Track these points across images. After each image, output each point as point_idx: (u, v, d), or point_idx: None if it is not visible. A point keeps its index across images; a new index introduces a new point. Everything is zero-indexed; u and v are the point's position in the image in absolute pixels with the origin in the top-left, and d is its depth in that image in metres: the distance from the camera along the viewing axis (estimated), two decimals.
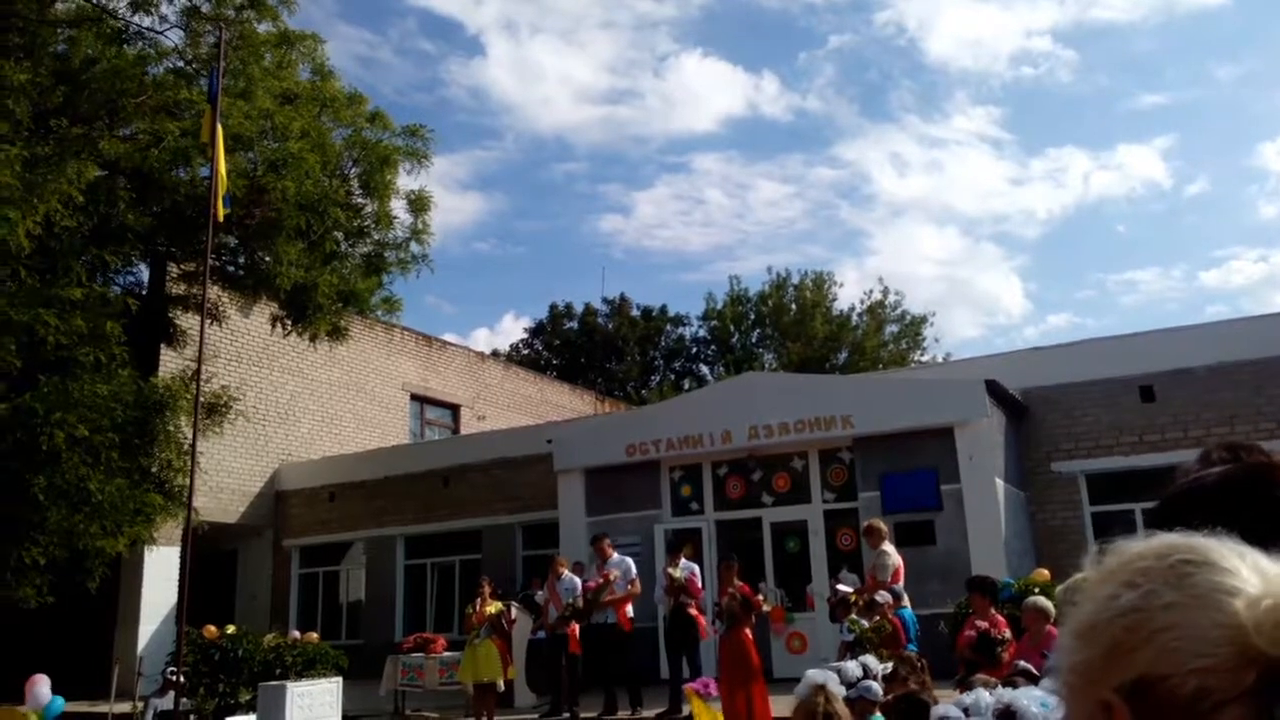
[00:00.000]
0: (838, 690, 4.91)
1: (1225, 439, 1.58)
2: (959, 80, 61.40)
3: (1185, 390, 14.24)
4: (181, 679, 11.36)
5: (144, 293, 15.29)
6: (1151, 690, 0.77)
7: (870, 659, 6.58)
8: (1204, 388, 14.10)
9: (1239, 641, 0.74)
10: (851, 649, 8.97)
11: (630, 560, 12.16)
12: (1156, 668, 0.76)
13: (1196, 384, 14.18)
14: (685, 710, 11.02)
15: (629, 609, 11.84)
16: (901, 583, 10.32)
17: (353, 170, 14.64)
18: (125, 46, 13.66)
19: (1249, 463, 1.23)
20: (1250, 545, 1.15)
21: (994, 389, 13.85)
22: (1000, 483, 13.58)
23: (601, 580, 11.71)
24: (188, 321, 15.16)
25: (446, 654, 13.31)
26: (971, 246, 62.14)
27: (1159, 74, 59.10)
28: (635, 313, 44.28)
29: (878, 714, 5.86)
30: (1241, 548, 0.82)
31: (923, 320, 40.11)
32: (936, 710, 4.79)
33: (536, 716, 12.18)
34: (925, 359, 37.69)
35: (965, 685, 5.35)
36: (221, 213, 11.26)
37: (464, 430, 25.76)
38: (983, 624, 8.28)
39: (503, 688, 12.03)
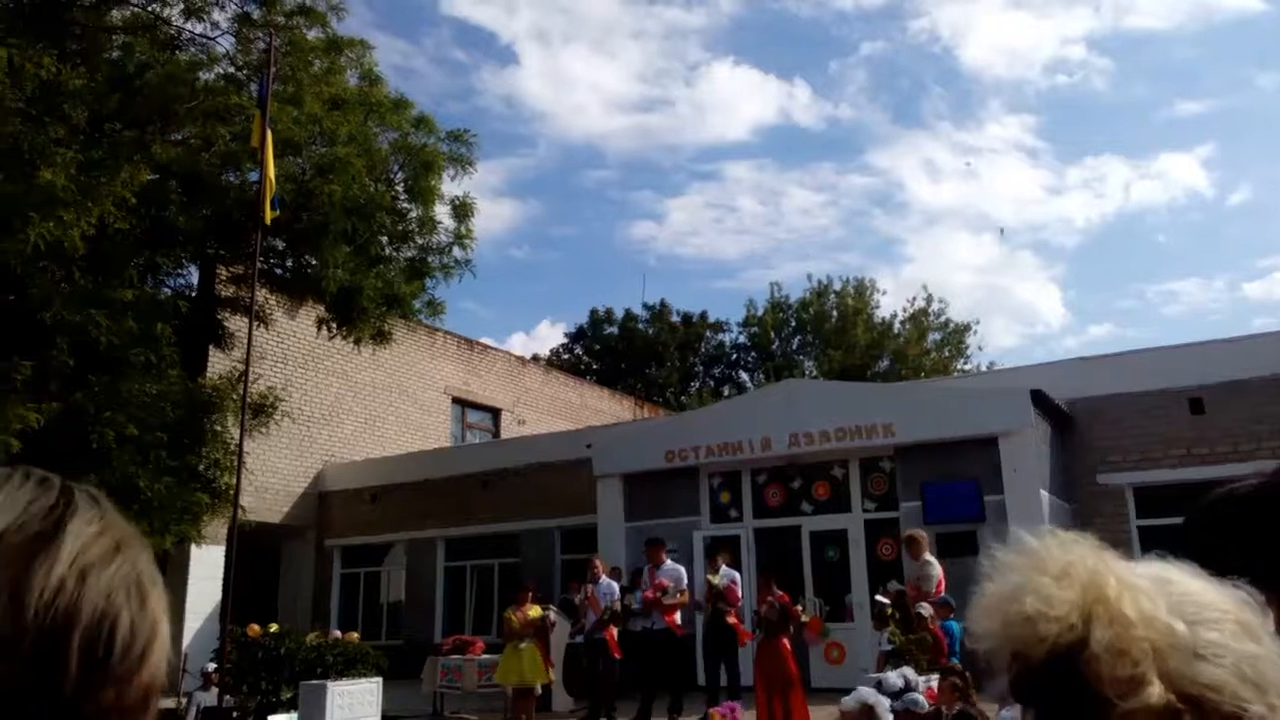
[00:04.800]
0: (885, 716, 4.87)
1: None
2: (993, 88, 60.91)
3: (1236, 403, 13.96)
4: (216, 675, 11.52)
5: (193, 295, 15.52)
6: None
7: (909, 670, 6.52)
8: (1256, 401, 13.82)
9: None
10: (890, 659, 8.89)
11: (681, 569, 12.16)
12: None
13: (1248, 397, 13.89)
14: None
15: (678, 615, 11.83)
16: (944, 594, 10.21)
17: (398, 175, 14.78)
18: (178, 53, 13.90)
19: None
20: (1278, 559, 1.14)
21: (1039, 399, 13.67)
22: (1045, 494, 13.39)
23: (657, 590, 11.68)
24: (236, 323, 15.37)
25: (485, 656, 13.37)
26: (1008, 255, 61.42)
27: (1198, 82, 58.20)
28: (675, 318, 44.25)
29: None
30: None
31: (966, 328, 39.71)
32: (859, 692, 4.76)
33: None
34: (968, 368, 37.31)
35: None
36: (269, 216, 11.42)
37: (504, 434, 25.89)
38: None
39: (540, 691, 12.07)
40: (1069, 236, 61.19)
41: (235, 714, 12.23)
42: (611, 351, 43.76)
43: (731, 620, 11.39)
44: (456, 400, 25.70)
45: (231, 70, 14.26)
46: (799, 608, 11.80)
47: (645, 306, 44.61)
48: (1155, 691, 0.74)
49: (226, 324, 15.63)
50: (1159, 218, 59.52)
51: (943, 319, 39.50)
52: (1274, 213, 58.25)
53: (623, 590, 12.28)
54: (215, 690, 11.77)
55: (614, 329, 44.47)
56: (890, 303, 72.19)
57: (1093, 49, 59.87)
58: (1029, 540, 0.86)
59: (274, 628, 13.55)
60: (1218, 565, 1.22)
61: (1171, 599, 0.80)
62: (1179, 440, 14.27)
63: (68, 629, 0.67)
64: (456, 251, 15.29)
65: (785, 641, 10.44)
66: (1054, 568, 0.81)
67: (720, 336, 44.43)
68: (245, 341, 11.86)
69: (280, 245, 15.03)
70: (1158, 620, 0.77)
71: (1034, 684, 0.80)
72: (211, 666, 12.76)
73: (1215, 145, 59.43)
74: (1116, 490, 14.63)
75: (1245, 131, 58.27)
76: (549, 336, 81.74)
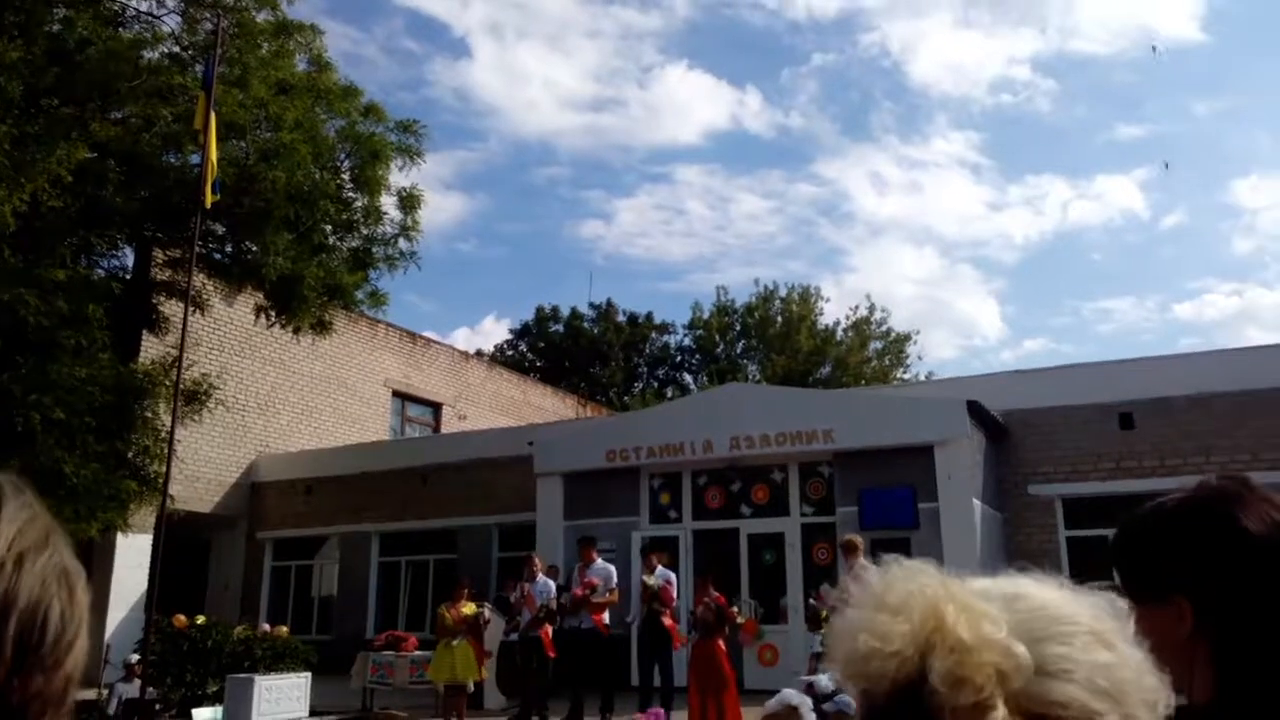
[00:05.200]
0: (808, 716, 4.91)
1: (1223, 469, 1.60)
2: (940, 104, 61.75)
3: (1164, 419, 14.34)
4: (140, 667, 11.29)
5: (128, 277, 15.17)
6: None
7: None
8: (1183, 418, 14.21)
9: None
10: (820, 660, 8.99)
11: (612, 568, 12.17)
12: None
13: (1175, 413, 14.28)
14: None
15: (606, 615, 11.83)
16: None
17: (345, 163, 14.59)
18: (121, 29, 13.57)
19: (1211, 489, 1.24)
20: (1204, 568, 1.17)
21: (975, 409, 13.92)
22: (978, 503, 13.63)
23: (586, 589, 11.68)
24: (171, 308, 15.05)
25: (418, 653, 13.25)
26: (949, 268, 62.45)
27: (1138, 106, 59.56)
28: (621, 319, 44.28)
29: None
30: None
31: (906, 338, 40.29)
32: (784, 694, 4.82)
33: (506, 719, 12.13)
34: (908, 377, 37.83)
35: None
36: (210, 199, 11.20)
37: (445, 429, 25.69)
38: None
39: (472, 689, 11.99)
40: (1009, 252, 62.41)
41: (158, 706, 11.98)
42: (556, 349, 43.65)
43: (667, 621, 11.43)
44: (397, 394, 25.45)
45: (176, 50, 13.97)
46: (735, 609, 11.89)
47: (591, 305, 44.63)
48: (999, 716, 0.73)
49: (161, 308, 15.30)
50: (1096, 237, 60.94)
51: (884, 328, 40.07)
52: (1205, 236, 60.02)
53: (559, 589, 12.25)
54: (138, 682, 11.51)
55: (559, 327, 44.37)
56: (834, 310, 73.23)
57: (1037, 70, 61.09)
58: (872, 574, 0.84)
59: (201, 620, 13.30)
60: (1147, 575, 1.25)
61: (1018, 617, 0.78)
62: (1108, 454, 14.62)
63: (4, 615, 0.66)
64: (402, 243, 15.14)
65: (720, 642, 10.50)
66: (893, 600, 0.80)
67: (665, 338, 44.58)
68: (180, 326, 11.61)
69: (220, 230, 14.75)
70: (997, 642, 0.76)
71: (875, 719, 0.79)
72: (135, 658, 12.47)
73: (1152, 168, 60.96)
74: (1046, 501, 14.94)
75: (1181, 157, 59.89)
76: (493, 332, 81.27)
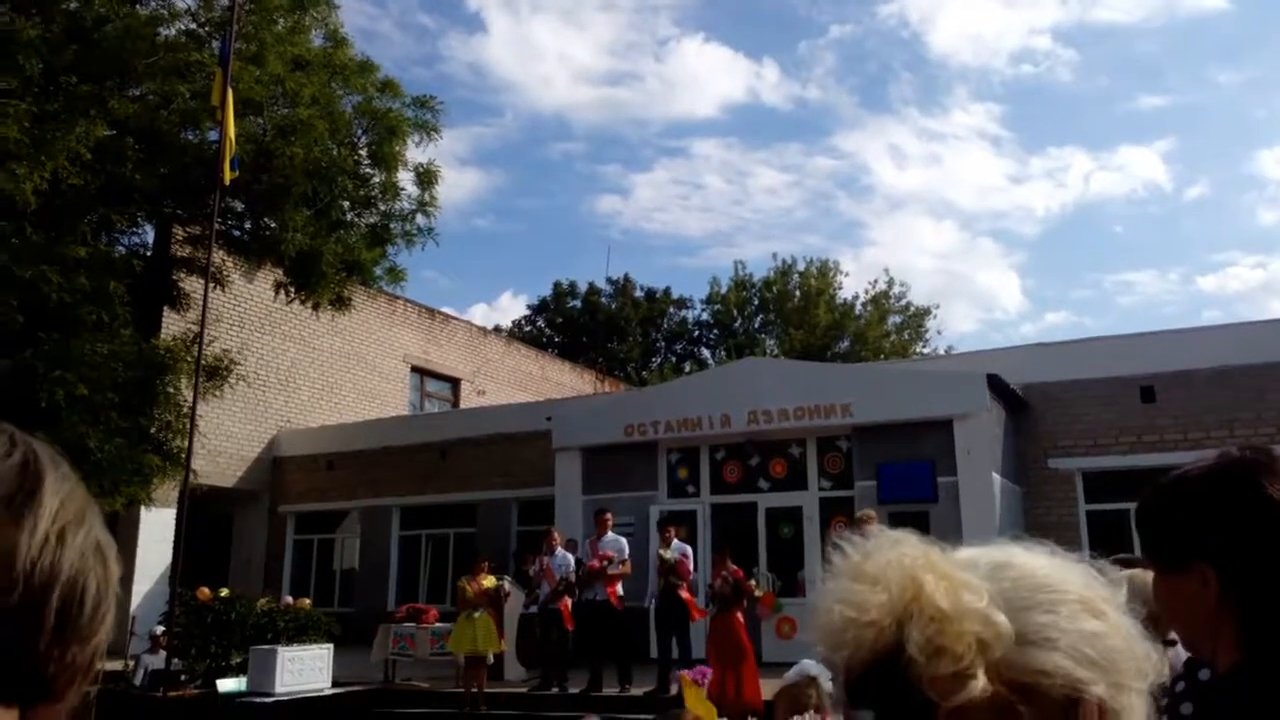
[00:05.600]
0: (827, 686, 4.93)
1: (1246, 441, 1.60)
2: (959, 75, 61.09)
3: (1186, 392, 14.24)
4: (165, 638, 11.44)
5: (149, 254, 15.25)
6: None
7: None
8: (1204, 391, 14.10)
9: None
10: None
11: (624, 540, 12.22)
12: None
13: (1197, 387, 14.17)
14: (673, 690, 11.09)
15: (619, 587, 11.91)
16: None
17: (362, 139, 14.59)
18: (138, 6, 13.59)
19: (1235, 458, 1.24)
20: (1229, 536, 1.17)
21: (994, 383, 13.85)
22: (997, 477, 13.60)
23: (600, 561, 11.75)
24: (191, 284, 15.14)
25: (438, 625, 13.37)
26: (969, 241, 62.00)
27: (1160, 76, 58.81)
28: (639, 294, 44.24)
29: None
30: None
31: (926, 312, 40.07)
32: (803, 664, 4.83)
33: (526, 690, 12.25)
34: (927, 351, 37.67)
35: None
36: (229, 176, 11.23)
37: (463, 404, 25.79)
38: None
39: (492, 660, 12.11)
40: (1029, 225, 61.89)
41: (183, 677, 12.16)
42: (574, 325, 43.67)
43: (684, 594, 11.48)
44: (416, 369, 25.55)
45: (193, 27, 13.98)
46: (752, 582, 11.93)
47: (609, 281, 44.56)
48: (979, 685, 0.73)
49: (182, 285, 15.40)
50: (1118, 209, 60.32)
51: (904, 302, 39.86)
52: (1228, 208, 59.35)
53: (578, 562, 12.33)
54: (163, 653, 11.67)
55: (577, 302, 44.37)
56: (852, 284, 72.57)
57: (1058, 40, 60.32)
58: (852, 546, 0.84)
59: (224, 592, 13.45)
60: (1171, 544, 1.25)
61: (1002, 585, 0.78)
62: (1129, 427, 14.54)
63: (48, 587, 0.68)
64: (420, 219, 15.17)
65: (738, 615, 10.56)
66: (870, 570, 0.80)
67: (683, 313, 44.51)
68: (201, 303, 11.69)
69: (239, 207, 14.81)
70: (976, 611, 0.76)
71: (861, 690, 0.79)
72: (160, 629, 12.65)
73: (1175, 140, 60.27)
74: (1066, 475, 14.88)
75: (1204, 127, 59.15)
76: (511, 308, 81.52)
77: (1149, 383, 14.52)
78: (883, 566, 0.80)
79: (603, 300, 43.90)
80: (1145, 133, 60.53)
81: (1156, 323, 62.50)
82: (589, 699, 11.47)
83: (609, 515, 12.46)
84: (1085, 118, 60.13)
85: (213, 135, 12.71)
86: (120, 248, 14.41)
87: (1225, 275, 61.23)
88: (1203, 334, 14.91)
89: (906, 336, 39.58)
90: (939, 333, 44.80)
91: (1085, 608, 0.78)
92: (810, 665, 4.94)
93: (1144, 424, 14.44)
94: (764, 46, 66.86)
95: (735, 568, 11.01)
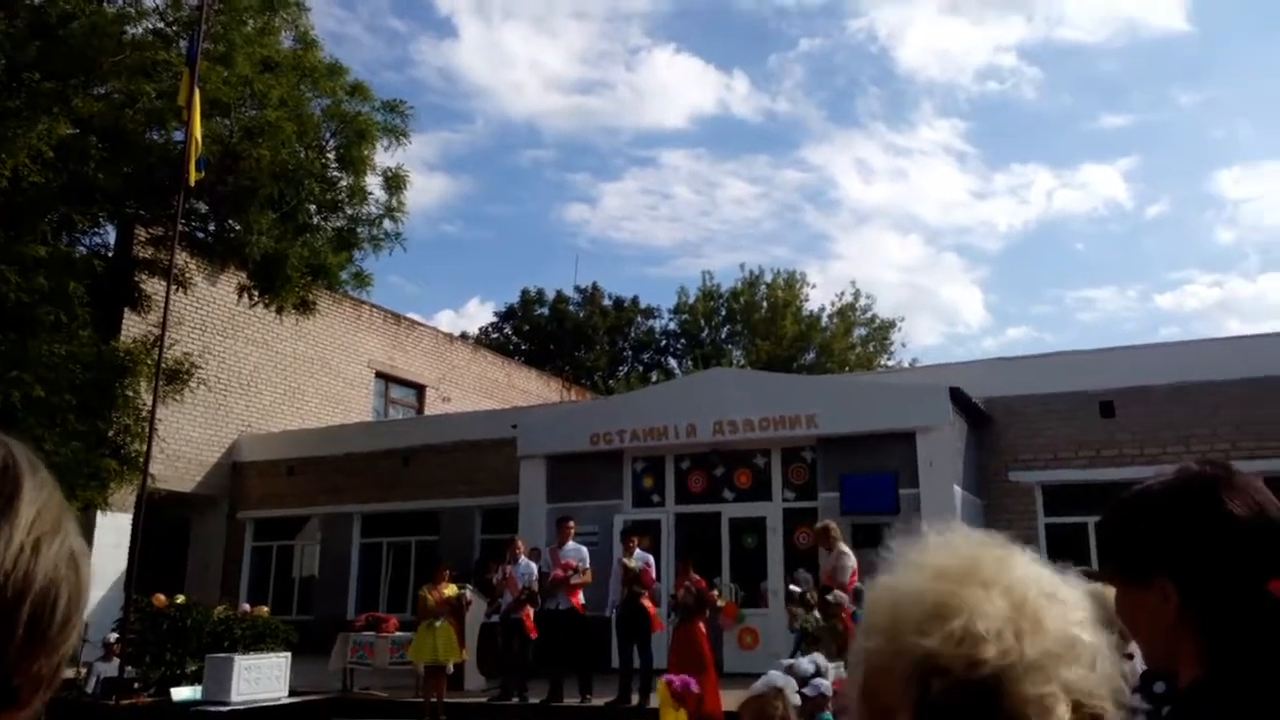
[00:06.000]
0: (794, 699, 4.94)
1: (1203, 456, 1.63)
2: (925, 91, 61.75)
3: (1144, 408, 14.45)
4: (119, 646, 11.26)
5: (110, 255, 15.05)
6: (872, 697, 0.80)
7: (819, 656, 6.64)
8: (1162, 406, 14.32)
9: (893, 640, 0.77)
10: (799, 644, 9.06)
11: (584, 548, 12.20)
12: (869, 685, 0.80)
13: (1155, 402, 14.39)
14: (634, 700, 11.07)
15: (581, 595, 11.88)
16: (858, 584, 10.41)
17: (330, 142, 14.50)
18: (105, 4, 13.43)
19: (1195, 473, 1.26)
20: (1189, 551, 1.19)
21: (957, 396, 13.98)
22: (958, 489, 13.72)
23: (563, 570, 11.72)
24: (153, 286, 14.95)
25: (398, 634, 13.26)
26: (934, 256, 62.63)
27: (1122, 96, 59.70)
28: (607, 302, 44.24)
29: (828, 713, 5.91)
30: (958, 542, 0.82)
31: (891, 325, 40.40)
32: (770, 675, 4.85)
33: (486, 700, 12.17)
34: (892, 363, 37.96)
35: None
36: (194, 176, 11.12)
37: (428, 411, 25.64)
38: None
39: (452, 670, 12.02)
40: (992, 241, 62.61)
41: (136, 685, 11.96)
42: (541, 332, 43.58)
43: (645, 603, 11.47)
44: (380, 375, 25.37)
45: (161, 25, 13.83)
46: (715, 593, 11.94)
47: (577, 289, 44.54)
48: (1064, 711, 0.72)
49: (143, 286, 15.20)
50: (1079, 226, 61.14)
51: (869, 315, 40.16)
52: (1187, 227, 60.35)
53: (541, 572, 12.28)
54: (117, 660, 11.49)
55: (544, 310, 44.29)
56: (819, 296, 73.23)
57: (1023, 58, 61.20)
58: (943, 540, 0.80)
59: (180, 599, 13.26)
60: (1132, 558, 1.27)
61: (1063, 605, 0.78)
62: (1089, 442, 14.73)
63: (20, 598, 0.67)
64: (387, 224, 15.08)
65: (700, 625, 10.56)
66: (984, 574, 0.77)
67: (650, 322, 44.56)
68: (162, 305, 11.55)
69: (203, 208, 14.66)
70: (1065, 632, 0.75)
71: (951, 706, 0.74)
72: (114, 637, 12.45)
73: (1136, 158, 61.26)
74: (1026, 488, 15.04)
75: (1165, 147, 60.18)
76: (478, 315, 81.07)
77: (1108, 398, 14.73)
78: (994, 571, 0.78)
79: (570, 309, 43.86)
80: (1107, 151, 61.49)
81: (1116, 339, 63.43)
82: (549, 709, 11.42)
83: (572, 523, 12.43)
84: (1049, 135, 61.04)
85: (178, 135, 12.57)
86: (81, 248, 14.21)
87: (1183, 293, 62.28)
88: (1161, 350, 15.15)
89: (872, 349, 39.86)
90: (903, 345, 45.11)
91: (1094, 624, 0.80)
92: (777, 677, 4.95)
93: (1103, 438, 14.64)
94: (734, 58, 67.34)
95: (698, 577, 11.02)
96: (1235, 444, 13.60)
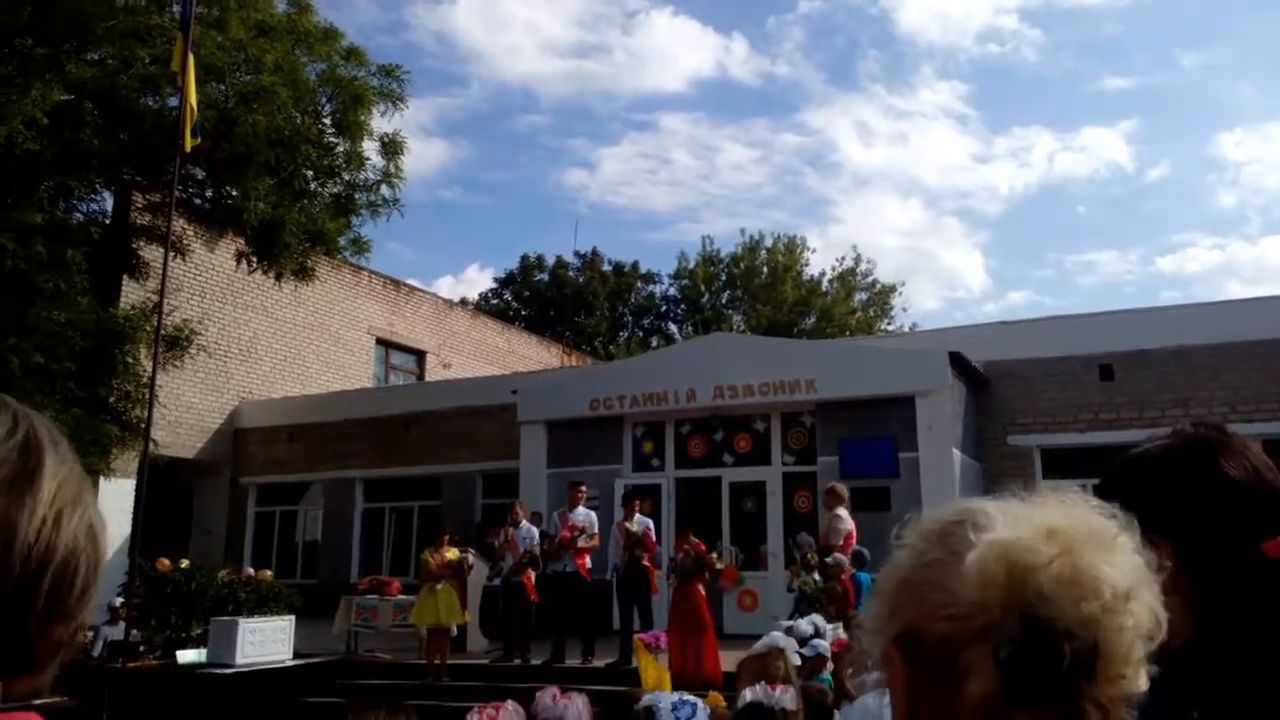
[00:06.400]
0: (794, 659, 4.99)
1: (1198, 418, 1.64)
2: (926, 53, 61.20)
3: (1143, 371, 14.46)
4: (124, 610, 11.34)
5: (107, 221, 15.01)
6: (916, 639, 0.82)
7: (818, 618, 6.70)
8: (1161, 370, 14.33)
9: (975, 588, 0.78)
10: (798, 606, 9.15)
11: (593, 514, 12.26)
12: (919, 619, 0.82)
13: (1155, 366, 14.40)
14: (634, 661, 11.18)
15: (587, 560, 11.96)
16: (854, 547, 10.48)
17: (326, 107, 14.40)
18: None
19: (1192, 436, 1.27)
20: (1187, 511, 1.20)
21: (956, 360, 13.99)
22: (957, 453, 13.76)
23: (570, 532, 11.78)
24: (151, 253, 14.91)
25: (401, 597, 13.37)
26: (934, 220, 62.40)
27: (1124, 58, 59.20)
28: (606, 268, 44.14)
29: (826, 673, 5.98)
30: (1018, 507, 0.86)
31: (891, 289, 40.35)
32: (770, 636, 4.91)
33: (488, 662, 12.29)
34: (892, 328, 37.94)
35: None
36: (190, 143, 11.06)
37: (428, 377, 25.68)
38: None
39: (455, 632, 12.13)
40: (993, 204, 62.35)
41: (142, 648, 12.08)
42: (541, 298, 43.53)
43: (646, 564, 11.56)
44: (380, 341, 25.38)
45: None
46: (714, 555, 12.04)
47: (576, 254, 44.43)
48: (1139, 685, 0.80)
49: (141, 253, 15.16)
50: (1080, 189, 60.90)
51: (869, 279, 40.09)
52: (1189, 189, 60.13)
53: (543, 535, 12.35)
54: (122, 624, 11.60)
55: (544, 276, 44.20)
56: (819, 261, 72.89)
57: (1025, 20, 60.68)
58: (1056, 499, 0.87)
59: (185, 563, 13.35)
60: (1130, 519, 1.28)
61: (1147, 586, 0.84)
62: (1088, 405, 14.76)
63: (42, 570, 0.69)
64: (384, 190, 15.01)
65: (700, 588, 10.66)
66: (1104, 539, 0.82)
67: (650, 288, 44.49)
68: (160, 272, 11.53)
69: (200, 174, 14.59)
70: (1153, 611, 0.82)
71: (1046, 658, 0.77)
72: (119, 600, 12.56)
73: (1138, 121, 60.86)
74: (1025, 451, 15.09)
75: (1168, 109, 59.77)
76: (478, 280, 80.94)
77: (1107, 361, 14.74)
78: (1114, 544, 0.83)
79: (570, 274, 43.77)
80: (1109, 114, 61.13)
81: (1116, 302, 62.92)
82: (551, 670, 11.54)
83: (584, 488, 12.47)
84: (1050, 98, 60.67)
85: (173, 101, 12.49)
86: (78, 215, 14.17)
87: (1184, 256, 62.19)
88: (1161, 314, 15.14)
89: (872, 313, 39.83)
90: (904, 310, 45.20)
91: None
92: (778, 637, 5.01)
93: (1102, 402, 14.67)
94: (733, 21, 66.67)
95: (698, 542, 11.10)
96: (1234, 407, 13.63)
